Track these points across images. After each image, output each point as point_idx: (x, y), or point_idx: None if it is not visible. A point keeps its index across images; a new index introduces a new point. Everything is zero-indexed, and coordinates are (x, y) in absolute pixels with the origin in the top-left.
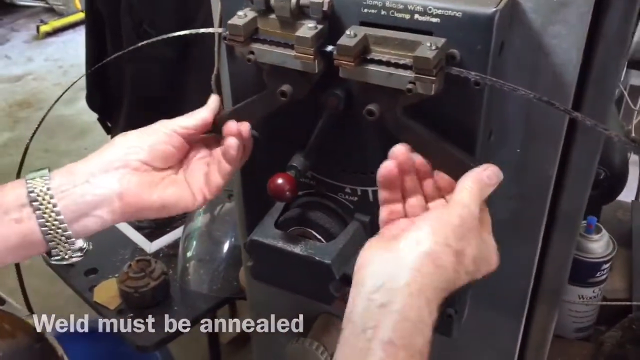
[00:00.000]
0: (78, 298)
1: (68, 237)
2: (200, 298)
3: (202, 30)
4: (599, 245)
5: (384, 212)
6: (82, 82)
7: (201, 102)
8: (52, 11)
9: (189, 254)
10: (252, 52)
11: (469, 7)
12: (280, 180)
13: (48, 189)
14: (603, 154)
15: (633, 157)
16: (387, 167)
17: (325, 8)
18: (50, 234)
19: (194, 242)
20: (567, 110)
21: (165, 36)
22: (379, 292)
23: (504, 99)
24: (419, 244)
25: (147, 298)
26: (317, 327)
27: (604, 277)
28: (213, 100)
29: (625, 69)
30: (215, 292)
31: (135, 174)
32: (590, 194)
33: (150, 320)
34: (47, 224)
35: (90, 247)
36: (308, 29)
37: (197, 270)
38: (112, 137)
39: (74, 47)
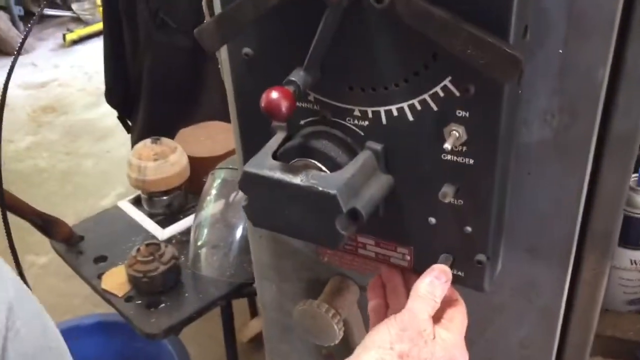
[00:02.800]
0: (94, 297)
1: None
2: (213, 284)
3: None
4: None
5: (369, 306)
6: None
7: (219, 92)
8: (78, 20)
9: (199, 242)
10: None
11: None
12: (275, 95)
13: None
14: None
15: None
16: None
17: None
18: None
19: (205, 230)
20: None
21: None
22: None
23: None
24: (366, 349)
25: (156, 283)
26: (329, 289)
27: None
28: None
29: None
30: (229, 278)
31: None
32: None
33: (160, 306)
34: None
35: None
36: None
37: (209, 256)
38: (132, 137)
39: (99, 54)
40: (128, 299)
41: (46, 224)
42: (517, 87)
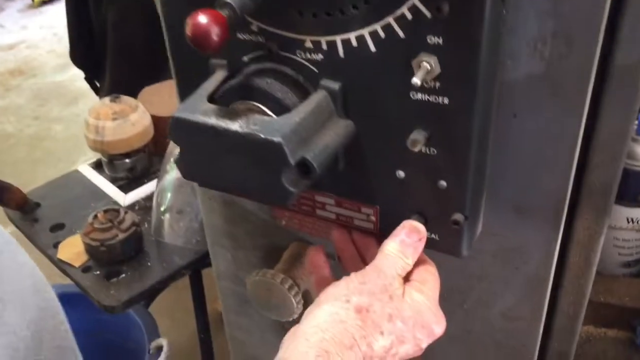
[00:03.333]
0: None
1: None
2: (178, 252)
3: None
4: None
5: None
6: None
7: None
8: None
9: (162, 208)
10: None
11: None
12: (203, 19)
13: None
14: None
15: None
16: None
17: None
18: None
19: (169, 195)
20: None
21: None
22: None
23: None
24: (318, 304)
25: (115, 252)
26: (286, 257)
27: None
28: None
29: None
30: (195, 245)
31: None
32: None
33: (120, 277)
34: None
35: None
36: None
37: (173, 222)
38: (100, 98)
39: None
40: (86, 269)
41: None
42: (502, 6)
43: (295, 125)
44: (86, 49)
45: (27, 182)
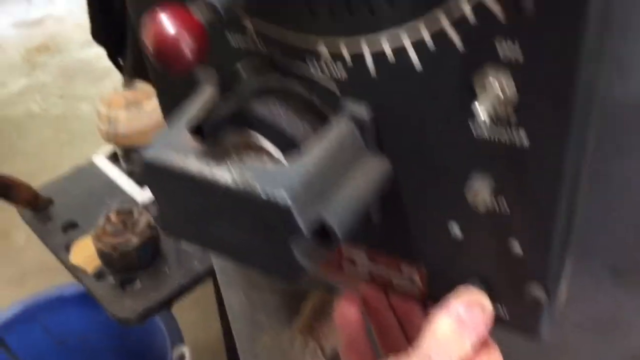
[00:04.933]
0: None
1: None
2: (198, 256)
3: None
4: None
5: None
6: None
7: None
8: None
9: None
10: None
11: None
12: (169, 29)
13: None
14: None
15: None
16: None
17: None
18: None
19: None
20: None
21: None
22: None
23: None
24: None
25: (130, 259)
26: (309, 309)
27: None
28: None
29: None
30: None
31: None
32: None
33: (136, 284)
34: None
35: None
36: None
37: None
38: (124, 77)
39: None
40: (99, 274)
41: (3, 189)
42: None
43: (308, 176)
44: (107, 24)
45: (53, 164)
